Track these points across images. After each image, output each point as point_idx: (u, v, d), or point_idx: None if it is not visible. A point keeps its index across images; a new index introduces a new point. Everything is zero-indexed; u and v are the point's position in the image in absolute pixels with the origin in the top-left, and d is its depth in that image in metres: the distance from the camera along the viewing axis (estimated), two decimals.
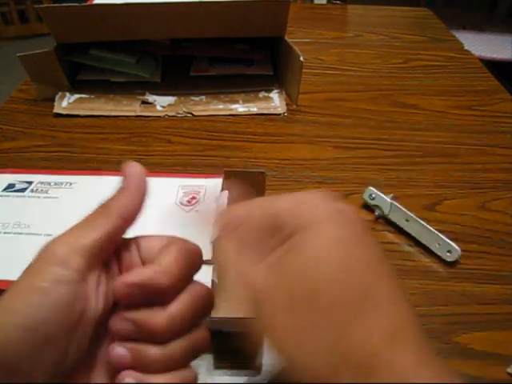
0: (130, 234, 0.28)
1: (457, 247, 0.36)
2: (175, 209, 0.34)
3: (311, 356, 0.17)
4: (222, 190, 0.35)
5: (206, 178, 0.37)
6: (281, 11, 0.53)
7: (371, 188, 0.41)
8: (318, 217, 0.20)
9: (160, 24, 0.53)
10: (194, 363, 0.29)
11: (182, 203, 0.34)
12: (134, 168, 0.23)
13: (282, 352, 0.19)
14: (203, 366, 0.29)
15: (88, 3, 0.53)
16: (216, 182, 0.36)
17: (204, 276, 0.29)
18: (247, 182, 0.37)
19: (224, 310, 0.31)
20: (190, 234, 0.32)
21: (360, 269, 0.19)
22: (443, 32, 0.81)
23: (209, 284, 0.29)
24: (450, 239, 0.37)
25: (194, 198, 0.35)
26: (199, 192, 0.35)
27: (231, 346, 0.30)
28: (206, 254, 0.30)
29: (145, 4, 0.50)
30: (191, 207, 0.34)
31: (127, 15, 0.51)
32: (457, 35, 0.79)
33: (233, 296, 0.31)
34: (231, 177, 0.36)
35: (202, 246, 0.30)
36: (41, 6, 0.50)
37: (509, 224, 0.41)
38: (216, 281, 0.30)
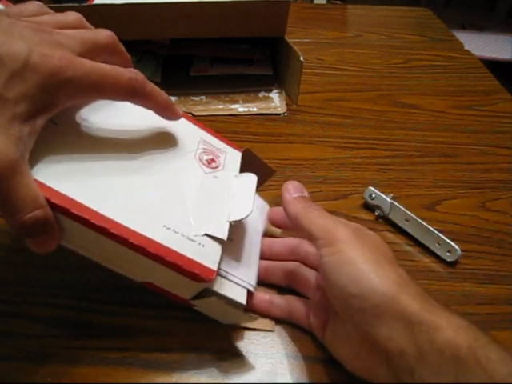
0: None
1: (457, 247, 0.36)
2: (194, 163, 0.31)
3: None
4: (243, 170, 0.33)
5: (226, 144, 0.35)
6: (281, 11, 0.53)
7: (371, 188, 0.41)
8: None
9: (160, 24, 0.53)
10: (191, 363, 0.29)
11: (201, 160, 0.32)
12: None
13: None
14: (202, 365, 0.29)
15: (88, 3, 0.53)
16: (235, 154, 0.34)
17: (214, 255, 0.27)
18: (257, 170, 0.35)
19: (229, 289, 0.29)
20: (206, 201, 0.29)
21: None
22: (443, 32, 0.81)
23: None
24: (450, 239, 0.37)
25: (213, 160, 0.32)
26: (219, 156, 0.33)
27: (228, 344, 0.30)
28: (222, 232, 0.28)
29: (145, 4, 0.50)
30: (211, 170, 0.31)
31: (127, 15, 0.51)
32: (457, 35, 0.79)
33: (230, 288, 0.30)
34: (248, 157, 0.35)
35: (215, 219, 0.29)
36: None
37: (509, 224, 0.41)
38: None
